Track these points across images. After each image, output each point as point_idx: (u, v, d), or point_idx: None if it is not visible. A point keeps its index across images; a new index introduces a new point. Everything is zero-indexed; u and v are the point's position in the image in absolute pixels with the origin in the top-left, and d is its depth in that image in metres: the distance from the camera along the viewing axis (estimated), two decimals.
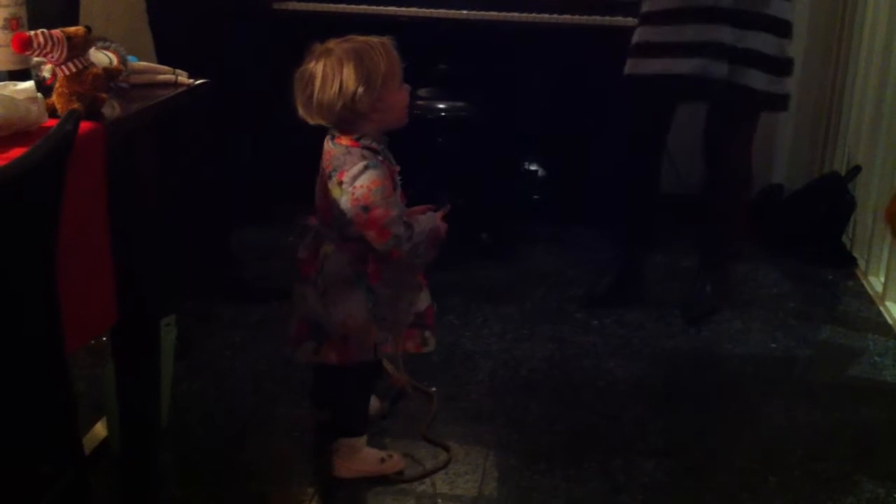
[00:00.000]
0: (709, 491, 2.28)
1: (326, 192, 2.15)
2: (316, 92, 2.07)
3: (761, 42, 2.89)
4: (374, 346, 2.17)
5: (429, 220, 2.19)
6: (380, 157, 2.13)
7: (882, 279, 3.31)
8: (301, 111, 2.12)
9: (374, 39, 2.12)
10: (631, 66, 3.05)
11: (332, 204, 2.13)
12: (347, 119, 2.10)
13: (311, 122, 2.13)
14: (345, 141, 2.13)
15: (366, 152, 2.11)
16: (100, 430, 2.35)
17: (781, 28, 2.93)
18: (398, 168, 2.19)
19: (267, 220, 3.65)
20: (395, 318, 2.18)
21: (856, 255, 3.60)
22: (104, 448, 2.31)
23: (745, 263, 3.59)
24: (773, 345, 2.98)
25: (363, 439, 2.29)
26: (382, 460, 2.28)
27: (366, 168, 2.09)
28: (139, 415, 2.17)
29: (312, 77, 2.08)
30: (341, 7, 3.59)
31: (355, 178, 2.09)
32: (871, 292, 3.35)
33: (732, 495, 2.26)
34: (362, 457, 2.27)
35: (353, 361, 2.18)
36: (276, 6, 3.50)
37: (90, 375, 2.50)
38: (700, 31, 2.89)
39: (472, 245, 3.63)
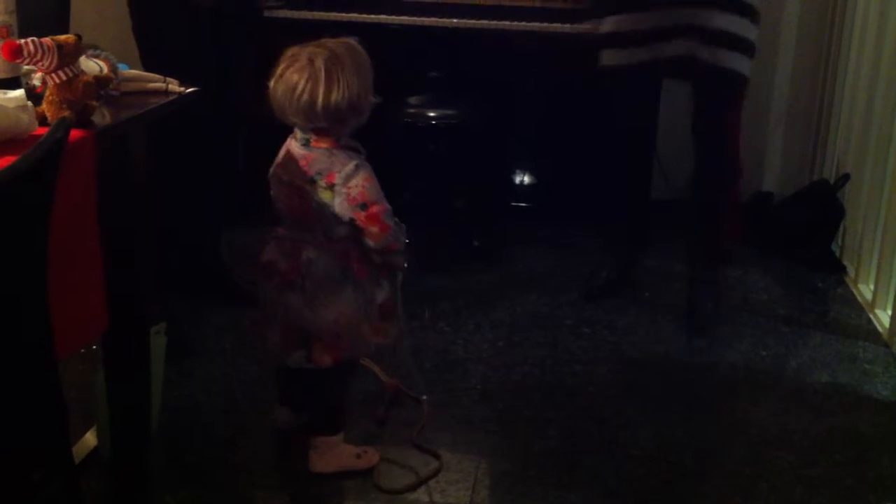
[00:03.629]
0: (700, 496, 2.29)
1: (304, 197, 2.14)
2: (320, 95, 2.04)
3: (738, 25, 2.94)
4: (367, 340, 2.18)
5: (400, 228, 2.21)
6: (363, 156, 2.15)
7: (871, 287, 3.32)
8: (290, 116, 2.10)
9: (352, 41, 2.13)
10: (610, 57, 3.08)
11: (318, 207, 2.12)
12: (341, 120, 2.10)
13: (300, 123, 2.11)
14: (324, 144, 2.13)
15: (351, 153, 2.13)
16: (90, 437, 2.35)
17: (747, 11, 2.98)
18: None
19: (259, 225, 3.63)
20: (369, 312, 2.19)
21: (845, 262, 3.61)
22: (95, 455, 2.31)
23: (735, 269, 3.59)
24: (764, 351, 2.98)
25: (340, 436, 2.31)
26: (358, 455, 2.31)
27: (357, 167, 2.10)
28: (130, 421, 2.17)
29: (315, 77, 2.04)
30: (332, 15, 3.59)
31: (349, 177, 2.09)
32: (860, 299, 3.36)
33: (724, 500, 2.26)
34: (339, 452, 2.30)
35: (347, 359, 2.19)
36: (266, 14, 3.50)
37: (81, 382, 2.49)
38: (677, 16, 2.93)
39: (463, 250, 3.63)
